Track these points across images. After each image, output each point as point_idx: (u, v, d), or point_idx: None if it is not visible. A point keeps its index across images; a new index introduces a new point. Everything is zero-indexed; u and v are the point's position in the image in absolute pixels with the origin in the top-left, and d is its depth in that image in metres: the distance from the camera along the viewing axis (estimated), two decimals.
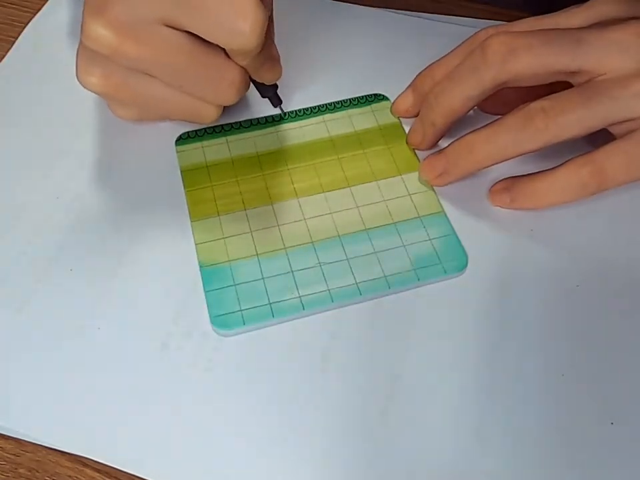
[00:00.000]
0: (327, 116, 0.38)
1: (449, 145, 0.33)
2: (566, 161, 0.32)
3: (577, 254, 0.33)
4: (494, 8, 0.43)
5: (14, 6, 0.44)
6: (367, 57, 0.40)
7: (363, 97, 0.39)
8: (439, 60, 0.35)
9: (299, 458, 0.27)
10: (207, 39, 0.30)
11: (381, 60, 0.40)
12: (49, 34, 0.42)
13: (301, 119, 0.38)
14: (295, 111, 0.38)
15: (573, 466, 0.27)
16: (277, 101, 0.37)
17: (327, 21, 0.42)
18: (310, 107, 0.38)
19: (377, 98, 0.39)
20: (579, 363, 0.29)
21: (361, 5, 0.43)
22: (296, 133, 0.37)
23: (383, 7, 0.43)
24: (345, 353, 0.30)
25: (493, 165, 0.32)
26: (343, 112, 0.38)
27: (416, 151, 0.36)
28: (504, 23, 0.41)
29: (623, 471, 0.27)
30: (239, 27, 0.28)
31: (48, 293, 0.32)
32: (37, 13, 0.43)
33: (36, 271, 0.32)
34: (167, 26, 0.29)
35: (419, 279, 0.31)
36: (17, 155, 0.37)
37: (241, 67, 0.32)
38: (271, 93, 0.37)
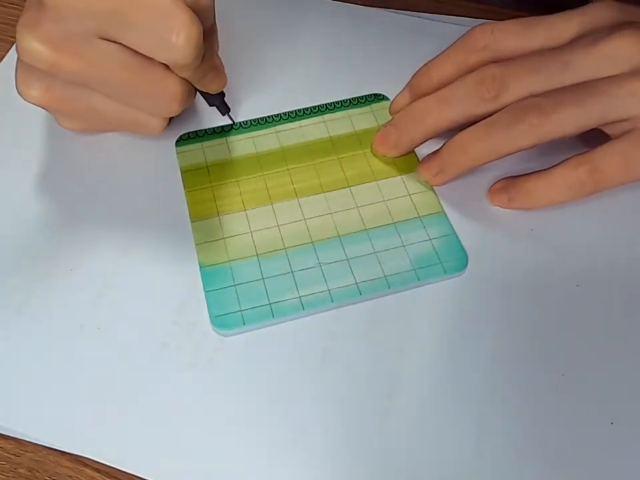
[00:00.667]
0: (327, 116, 0.38)
1: (443, 144, 0.33)
2: (563, 161, 0.32)
3: (577, 254, 0.33)
4: (493, 8, 0.43)
5: (14, 6, 0.44)
6: (367, 56, 0.41)
7: (362, 96, 0.39)
8: (434, 59, 0.35)
9: (299, 458, 0.27)
10: (142, 53, 0.29)
11: (380, 60, 0.40)
12: None
13: (301, 119, 0.38)
14: (295, 110, 0.38)
15: (573, 466, 0.27)
16: (224, 109, 0.37)
17: (327, 21, 0.42)
18: (310, 107, 0.38)
19: (377, 98, 0.39)
20: (579, 363, 0.29)
21: (360, 4, 0.43)
22: (296, 133, 0.37)
23: (383, 7, 0.43)
24: (345, 353, 0.30)
25: (488, 162, 0.32)
26: (343, 112, 0.38)
27: (415, 151, 0.36)
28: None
29: (623, 471, 0.27)
30: (172, 41, 0.28)
31: (48, 292, 0.32)
32: None
33: (36, 271, 0.32)
34: (104, 39, 0.29)
35: (418, 279, 0.31)
36: (18, 154, 0.37)
37: (183, 78, 0.31)
38: (217, 101, 0.36)
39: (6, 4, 0.44)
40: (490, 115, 0.32)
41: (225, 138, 0.37)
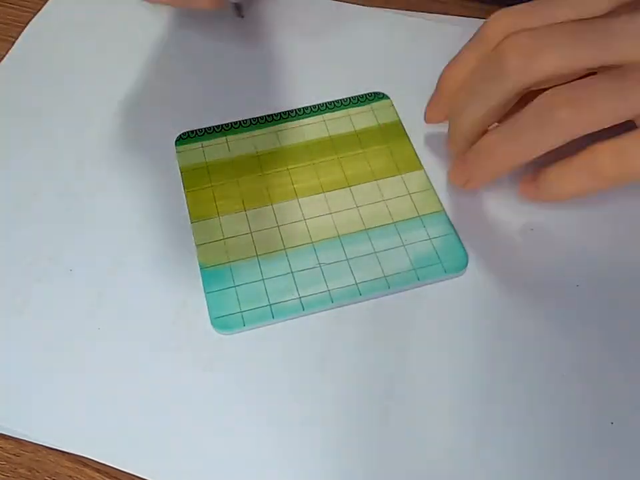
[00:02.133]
0: (327, 115, 0.38)
1: (469, 150, 0.31)
2: (585, 148, 0.29)
3: (577, 254, 0.32)
4: (495, 8, 0.43)
5: (14, 6, 0.44)
6: (366, 56, 0.40)
7: (362, 95, 0.39)
8: (454, 58, 0.33)
9: (298, 458, 0.27)
10: None
11: (380, 59, 0.40)
12: (48, 34, 0.42)
13: (301, 118, 0.38)
14: (295, 110, 0.38)
15: (573, 466, 0.27)
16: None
17: (327, 21, 0.42)
18: (310, 106, 0.38)
19: (377, 97, 0.38)
20: (579, 363, 0.29)
21: (360, 5, 0.43)
22: (296, 132, 0.37)
23: (383, 7, 0.43)
24: (345, 353, 0.30)
25: (519, 164, 0.30)
26: (343, 111, 0.38)
27: (415, 150, 0.36)
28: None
29: (623, 471, 0.27)
30: None
31: (48, 293, 0.32)
32: (37, 13, 0.43)
33: (36, 271, 0.32)
34: None
35: (418, 279, 0.31)
36: (17, 154, 0.37)
37: None
38: None
39: (6, 4, 0.44)
40: (523, 92, 0.29)
41: (224, 137, 0.37)
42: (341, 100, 0.38)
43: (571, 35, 0.27)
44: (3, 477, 0.28)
